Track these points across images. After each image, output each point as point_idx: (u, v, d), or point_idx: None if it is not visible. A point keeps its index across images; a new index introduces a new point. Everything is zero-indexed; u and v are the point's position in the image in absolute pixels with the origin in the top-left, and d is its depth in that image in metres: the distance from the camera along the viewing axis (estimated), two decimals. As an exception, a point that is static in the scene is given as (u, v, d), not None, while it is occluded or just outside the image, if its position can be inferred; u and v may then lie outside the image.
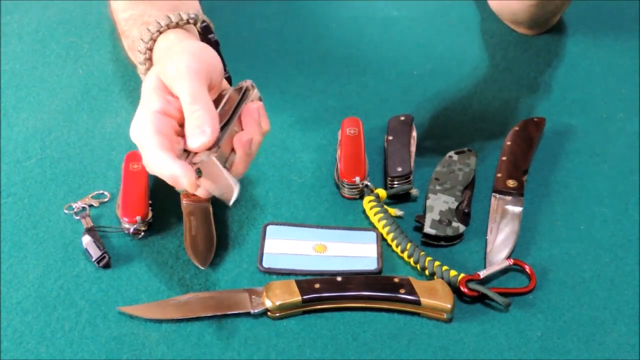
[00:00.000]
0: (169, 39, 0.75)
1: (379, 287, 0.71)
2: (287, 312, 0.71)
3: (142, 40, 0.76)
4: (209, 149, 0.67)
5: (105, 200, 0.81)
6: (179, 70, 0.69)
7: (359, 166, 0.82)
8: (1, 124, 0.91)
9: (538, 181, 0.84)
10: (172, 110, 0.69)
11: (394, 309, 0.71)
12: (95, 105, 0.94)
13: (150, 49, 0.76)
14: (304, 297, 0.70)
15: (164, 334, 0.69)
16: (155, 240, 0.78)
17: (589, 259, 0.77)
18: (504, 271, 0.75)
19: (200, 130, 0.67)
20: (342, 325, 0.71)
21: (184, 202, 0.79)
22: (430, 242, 0.77)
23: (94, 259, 0.74)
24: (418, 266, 0.74)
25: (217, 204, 0.81)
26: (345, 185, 0.82)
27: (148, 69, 0.77)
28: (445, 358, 0.68)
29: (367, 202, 0.80)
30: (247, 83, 0.72)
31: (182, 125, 0.69)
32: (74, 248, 0.77)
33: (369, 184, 0.81)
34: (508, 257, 0.75)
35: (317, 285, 0.71)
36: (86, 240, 0.76)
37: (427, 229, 0.77)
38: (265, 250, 0.76)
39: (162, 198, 0.82)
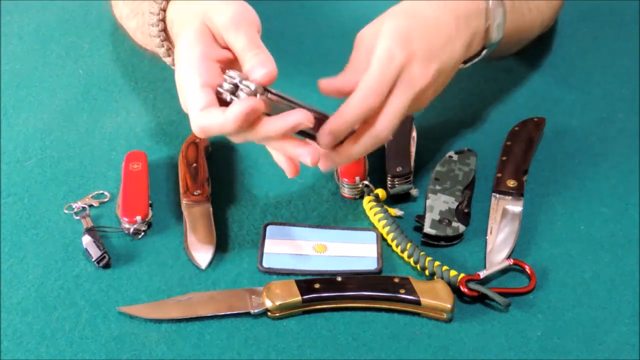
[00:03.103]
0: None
1: (379, 287, 0.71)
2: (287, 312, 0.71)
3: (152, 13, 0.76)
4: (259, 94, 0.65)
5: (105, 200, 0.81)
6: (234, 19, 0.67)
7: (359, 166, 0.82)
8: (1, 124, 0.91)
9: (538, 181, 0.84)
10: (216, 54, 0.68)
11: (394, 309, 0.71)
12: (95, 105, 0.94)
13: (163, 20, 0.75)
14: (304, 297, 0.70)
15: (164, 334, 0.69)
16: (155, 240, 0.78)
17: (589, 259, 0.77)
18: (504, 271, 0.75)
19: (263, 64, 0.65)
20: (342, 325, 0.71)
21: (184, 202, 0.79)
22: (430, 242, 0.77)
23: (94, 259, 0.74)
24: (418, 266, 0.74)
25: (217, 204, 0.81)
26: (345, 185, 0.82)
27: (163, 41, 0.77)
28: (445, 358, 0.68)
29: (367, 202, 0.80)
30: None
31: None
32: (74, 248, 0.77)
33: (369, 184, 0.81)
34: (508, 257, 0.75)
35: (317, 285, 0.71)
36: (86, 240, 0.76)
37: (427, 229, 0.77)
38: (265, 250, 0.76)
39: (162, 198, 0.82)
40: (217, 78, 0.67)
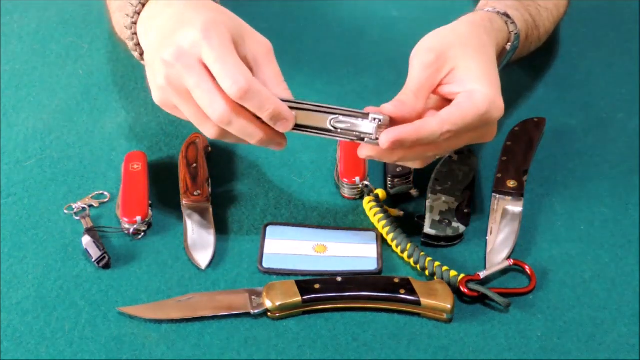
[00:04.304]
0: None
1: (379, 288, 0.71)
2: (287, 312, 0.71)
3: (127, 15, 0.76)
4: None
5: (105, 200, 0.81)
6: (270, 53, 0.70)
7: (359, 166, 0.82)
8: (1, 124, 0.91)
9: (538, 181, 0.84)
10: None
11: (394, 309, 0.71)
12: (95, 105, 0.94)
13: (135, 23, 0.76)
14: (304, 297, 0.70)
15: (164, 334, 0.69)
16: (155, 240, 0.78)
17: (589, 259, 0.77)
18: (504, 271, 0.75)
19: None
20: (342, 325, 0.71)
21: (184, 202, 0.79)
22: (431, 243, 0.77)
23: (94, 259, 0.74)
24: (418, 266, 0.74)
25: (217, 204, 0.81)
26: (345, 185, 0.82)
27: (136, 44, 0.77)
28: (445, 358, 0.68)
29: (367, 202, 0.80)
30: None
31: None
32: (74, 248, 0.77)
33: (368, 184, 0.81)
34: (508, 258, 0.75)
35: (317, 286, 0.71)
36: (86, 240, 0.76)
37: (427, 229, 0.77)
38: (265, 250, 0.76)
39: (162, 198, 0.82)
40: None
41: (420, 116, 0.70)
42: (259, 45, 0.70)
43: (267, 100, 0.66)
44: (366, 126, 0.68)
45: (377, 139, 0.67)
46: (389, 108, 0.68)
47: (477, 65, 0.71)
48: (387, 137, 0.67)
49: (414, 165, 0.74)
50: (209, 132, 0.69)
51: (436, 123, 0.68)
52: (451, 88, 0.71)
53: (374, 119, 0.67)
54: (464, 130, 0.68)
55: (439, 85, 0.71)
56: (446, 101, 0.71)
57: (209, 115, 0.67)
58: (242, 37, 0.70)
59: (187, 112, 0.69)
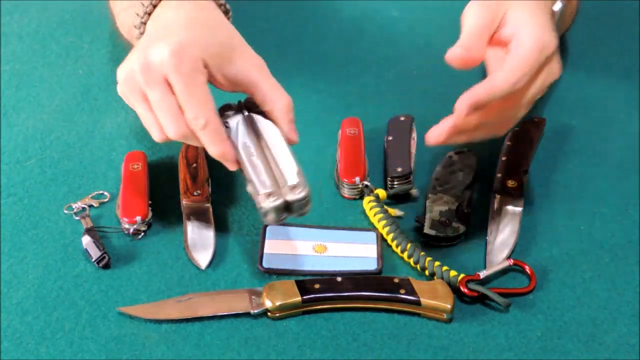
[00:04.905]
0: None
1: (379, 288, 0.71)
2: (287, 312, 0.71)
3: (137, 14, 0.76)
4: None
5: (105, 200, 0.81)
6: (264, 68, 0.72)
7: (359, 166, 0.82)
8: (1, 124, 0.91)
9: (538, 181, 0.84)
10: None
11: (394, 309, 0.71)
12: (95, 105, 0.94)
13: (145, 23, 0.76)
14: (304, 297, 0.70)
15: (164, 334, 0.69)
16: (155, 240, 0.78)
17: (589, 259, 0.76)
18: (504, 271, 0.75)
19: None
20: (342, 325, 0.71)
21: (184, 202, 0.79)
22: (431, 243, 0.77)
23: (93, 259, 0.74)
24: (418, 266, 0.74)
25: (217, 204, 0.81)
26: (345, 185, 0.82)
27: None
28: (445, 358, 0.68)
29: (367, 203, 0.80)
30: None
31: None
32: (74, 248, 0.77)
33: (369, 184, 0.81)
34: (508, 258, 0.75)
35: (317, 286, 0.71)
36: (86, 240, 0.76)
37: (427, 230, 0.77)
38: (265, 250, 0.76)
39: (162, 198, 0.82)
40: None
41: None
42: (251, 64, 0.72)
43: (221, 141, 0.69)
44: (261, 200, 0.69)
45: (265, 214, 0.69)
46: (457, 51, 0.70)
47: (528, 8, 0.73)
48: (463, 103, 0.68)
49: (496, 131, 0.75)
50: (157, 137, 0.71)
51: (504, 75, 0.69)
52: (504, 31, 0.72)
53: (266, 194, 0.68)
54: (531, 72, 0.70)
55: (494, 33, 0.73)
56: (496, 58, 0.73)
57: (166, 132, 0.69)
58: (229, 58, 0.71)
59: (140, 113, 0.71)
